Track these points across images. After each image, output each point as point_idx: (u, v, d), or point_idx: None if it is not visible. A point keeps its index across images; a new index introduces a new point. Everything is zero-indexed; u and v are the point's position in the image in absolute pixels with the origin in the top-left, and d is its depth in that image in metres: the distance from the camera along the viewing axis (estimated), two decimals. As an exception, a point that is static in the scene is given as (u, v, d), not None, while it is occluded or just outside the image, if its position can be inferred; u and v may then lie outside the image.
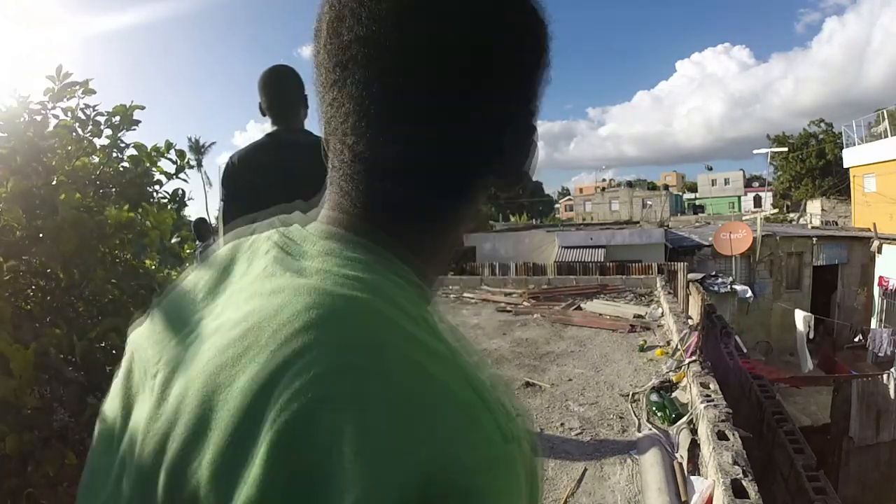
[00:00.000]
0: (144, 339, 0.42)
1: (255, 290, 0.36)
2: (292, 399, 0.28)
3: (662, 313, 6.82)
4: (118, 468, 0.37)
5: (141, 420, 0.36)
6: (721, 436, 2.44)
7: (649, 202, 41.28)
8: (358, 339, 0.31)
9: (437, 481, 0.26)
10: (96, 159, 1.60)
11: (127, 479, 0.36)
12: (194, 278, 0.43)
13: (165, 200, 1.64)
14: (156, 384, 0.37)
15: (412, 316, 0.34)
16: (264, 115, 1.88)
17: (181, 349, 0.37)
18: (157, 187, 1.65)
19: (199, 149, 47.29)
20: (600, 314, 7.25)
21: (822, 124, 33.89)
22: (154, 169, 1.62)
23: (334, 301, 0.32)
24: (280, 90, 1.85)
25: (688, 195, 56.52)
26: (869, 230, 15.63)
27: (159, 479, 0.32)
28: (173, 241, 1.49)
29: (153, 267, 1.58)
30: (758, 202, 38.84)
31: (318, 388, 0.28)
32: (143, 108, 1.59)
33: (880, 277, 14.34)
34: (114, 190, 1.55)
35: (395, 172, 0.39)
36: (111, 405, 0.42)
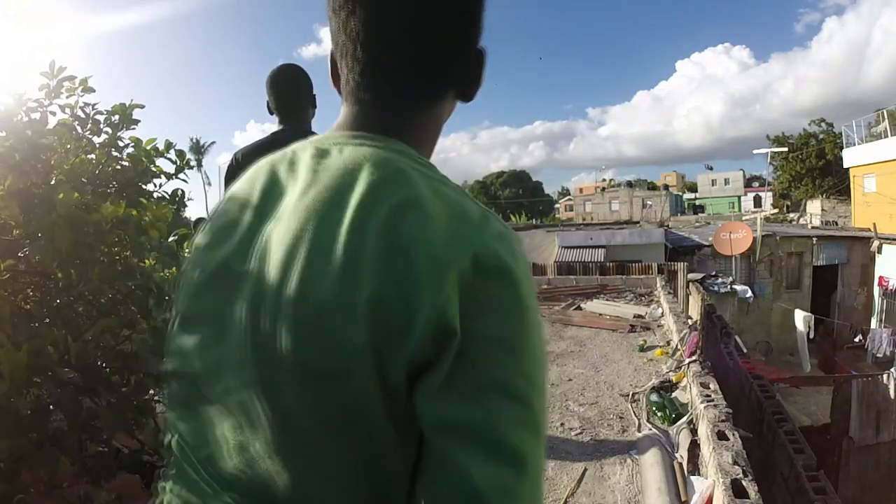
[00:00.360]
0: (233, 204, 0.55)
1: (319, 167, 0.49)
2: (386, 218, 0.43)
3: (662, 313, 6.82)
4: (225, 307, 0.48)
5: (252, 258, 0.48)
6: (721, 436, 2.44)
7: (649, 202, 41.27)
8: (443, 185, 0.48)
9: (481, 257, 0.43)
10: (94, 157, 1.60)
11: (240, 309, 0.47)
12: (248, 179, 0.57)
13: (165, 200, 1.63)
14: (260, 237, 0.48)
15: (426, 165, 0.51)
16: (272, 113, 1.86)
17: (272, 210, 0.50)
18: (156, 181, 1.64)
19: (199, 149, 47.26)
20: (600, 314, 7.25)
21: (822, 124, 33.88)
22: (153, 167, 1.61)
23: (401, 159, 0.49)
24: (289, 89, 1.84)
25: (688, 195, 56.51)
26: (869, 230, 15.63)
27: (282, 299, 0.43)
28: (171, 239, 1.49)
29: (150, 265, 1.57)
30: (758, 202, 38.84)
31: (397, 210, 0.43)
32: (142, 106, 1.59)
33: (880, 277, 14.34)
34: (113, 188, 1.54)
35: (411, 73, 0.53)
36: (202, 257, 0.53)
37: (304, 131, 1.86)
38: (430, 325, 0.40)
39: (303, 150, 0.54)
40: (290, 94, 1.84)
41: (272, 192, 0.52)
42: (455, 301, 0.41)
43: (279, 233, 0.47)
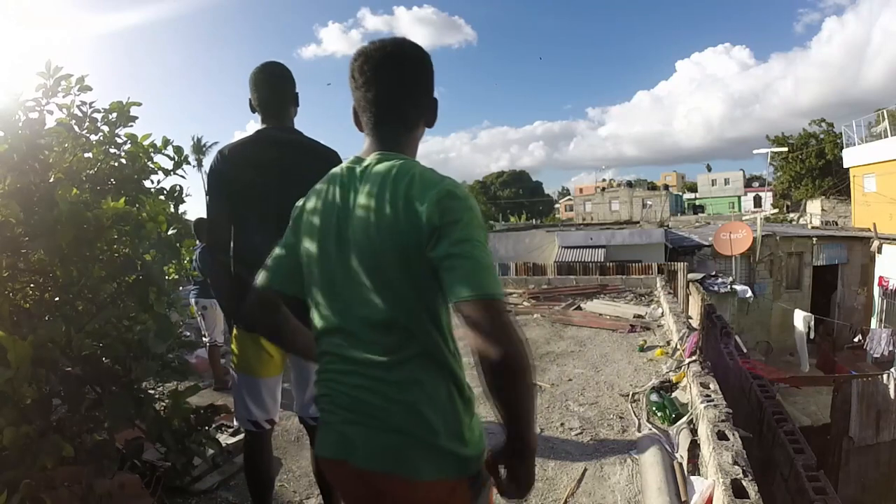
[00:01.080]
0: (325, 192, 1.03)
1: (371, 169, 0.98)
2: (406, 185, 0.92)
3: (662, 313, 6.82)
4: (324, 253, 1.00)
5: (341, 222, 0.98)
6: (721, 436, 2.44)
7: (649, 202, 41.26)
8: (424, 169, 0.97)
9: (443, 192, 0.90)
10: (90, 155, 1.60)
11: (348, 259, 0.96)
12: (326, 183, 1.05)
13: (163, 196, 1.63)
14: (352, 202, 0.98)
15: (415, 161, 1.02)
16: (254, 111, 1.85)
17: (352, 191, 0.98)
18: (153, 178, 1.64)
19: (200, 148, 47.20)
20: (600, 314, 7.25)
21: (823, 124, 33.87)
22: (151, 164, 1.61)
23: (395, 163, 0.97)
24: (273, 88, 1.82)
25: (688, 195, 56.50)
26: (869, 230, 15.63)
27: (376, 221, 0.92)
28: (170, 232, 1.49)
29: (149, 260, 1.57)
30: (758, 202, 38.84)
31: (420, 181, 0.92)
32: (139, 104, 1.58)
33: (880, 277, 14.34)
34: (111, 185, 1.55)
35: (400, 120, 1.04)
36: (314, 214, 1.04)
37: (288, 129, 1.86)
38: (428, 224, 0.88)
39: (355, 161, 1.03)
40: (274, 93, 1.82)
41: (349, 183, 1.00)
42: (437, 212, 0.88)
43: (363, 198, 0.95)
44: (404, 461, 0.91)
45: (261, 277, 1.09)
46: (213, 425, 1.70)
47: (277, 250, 1.10)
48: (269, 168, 1.75)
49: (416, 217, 0.89)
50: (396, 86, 1.02)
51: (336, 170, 1.03)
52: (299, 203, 1.10)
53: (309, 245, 1.02)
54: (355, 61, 1.02)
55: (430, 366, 0.93)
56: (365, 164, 0.99)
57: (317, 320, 1.03)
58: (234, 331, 1.84)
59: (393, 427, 0.92)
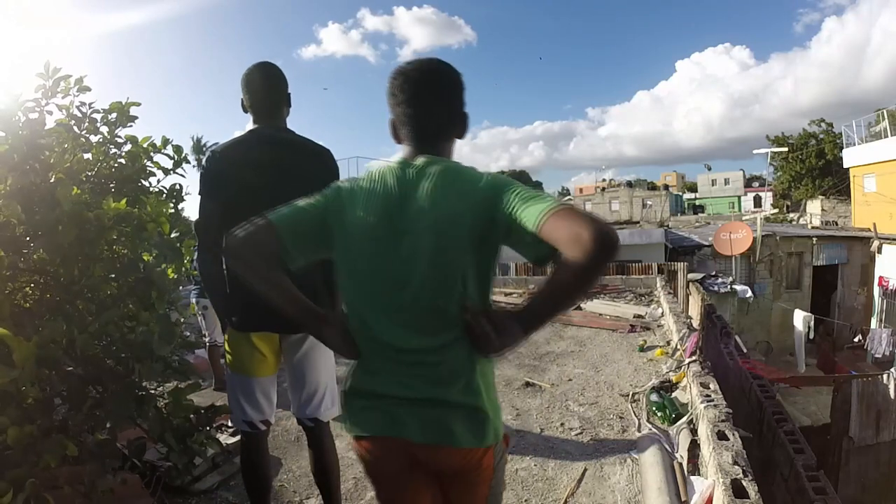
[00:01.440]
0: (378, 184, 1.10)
1: (421, 171, 1.08)
2: (475, 178, 1.07)
3: (662, 313, 6.82)
4: (390, 245, 1.05)
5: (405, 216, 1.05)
6: (721, 436, 2.44)
7: (649, 202, 41.22)
8: (469, 167, 1.11)
9: (491, 180, 1.07)
10: (90, 156, 1.60)
11: (408, 246, 1.04)
12: (379, 178, 1.11)
13: (163, 195, 1.63)
14: (413, 197, 1.06)
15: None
16: (246, 111, 1.85)
17: (411, 188, 1.07)
18: (153, 180, 1.64)
19: (200, 148, 47.16)
20: (600, 314, 7.25)
21: (822, 124, 33.85)
22: (151, 164, 1.61)
23: (445, 165, 1.09)
24: (264, 88, 1.82)
25: (688, 195, 56.45)
26: (869, 230, 15.63)
27: (441, 237, 1.02)
28: (172, 235, 1.49)
29: (150, 261, 1.57)
30: (758, 202, 38.81)
31: (472, 174, 1.08)
32: (138, 104, 1.58)
33: (880, 277, 14.34)
34: (111, 185, 1.55)
35: (437, 136, 1.15)
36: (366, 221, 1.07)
37: (281, 128, 1.85)
38: (489, 199, 1.03)
39: (403, 163, 1.11)
40: (266, 93, 1.82)
41: (404, 181, 1.08)
42: (493, 188, 1.03)
43: (423, 195, 1.05)
44: (451, 432, 1.06)
45: (271, 215, 1.10)
46: (214, 425, 1.70)
47: (300, 204, 1.12)
48: (265, 167, 1.75)
49: (477, 198, 1.03)
50: (435, 103, 1.13)
51: (384, 168, 1.12)
52: (336, 189, 1.14)
53: (358, 236, 1.07)
54: (395, 80, 1.13)
55: (467, 347, 1.05)
56: (417, 164, 1.09)
57: (363, 307, 1.09)
58: (227, 331, 1.85)
59: (443, 403, 1.06)
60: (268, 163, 1.75)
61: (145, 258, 1.58)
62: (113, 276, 1.35)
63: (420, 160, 1.09)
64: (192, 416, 1.39)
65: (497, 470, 1.16)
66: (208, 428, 1.55)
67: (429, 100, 1.12)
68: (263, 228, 1.08)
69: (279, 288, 1.12)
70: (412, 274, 1.03)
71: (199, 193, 1.75)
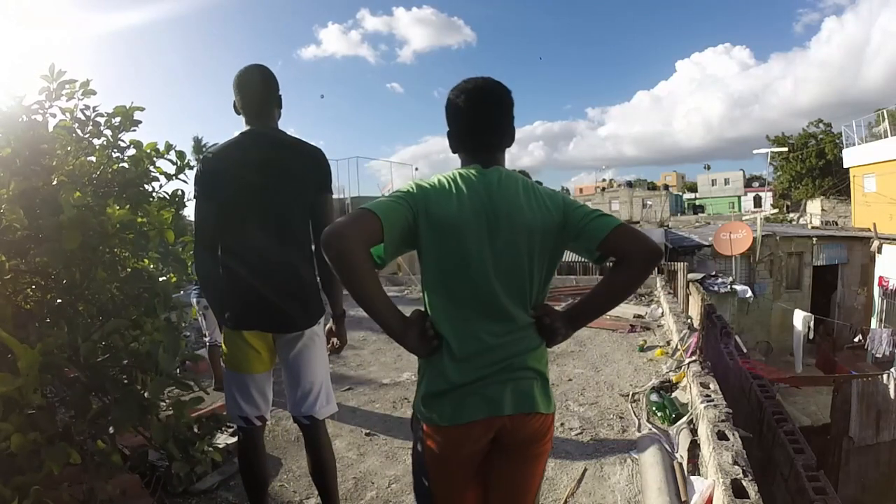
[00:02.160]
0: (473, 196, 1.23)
1: (497, 179, 1.25)
2: (550, 193, 1.30)
3: (662, 313, 6.82)
4: (480, 245, 1.19)
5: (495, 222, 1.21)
6: (721, 436, 2.44)
7: (649, 202, 41.20)
8: (526, 179, 1.30)
9: (565, 197, 1.33)
10: (94, 159, 1.60)
11: (499, 241, 1.20)
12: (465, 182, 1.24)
13: (166, 201, 1.63)
14: (496, 198, 1.22)
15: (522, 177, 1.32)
16: (238, 113, 1.85)
17: (493, 189, 1.23)
18: (155, 185, 1.64)
19: (200, 148, 47.12)
20: (600, 314, 7.24)
21: (822, 124, 33.83)
22: (153, 169, 1.61)
23: (516, 175, 1.29)
24: (256, 90, 1.83)
25: (688, 195, 56.37)
26: (869, 230, 15.62)
27: (525, 235, 1.21)
28: (177, 244, 1.49)
29: (153, 268, 1.58)
30: (758, 202, 38.79)
31: (546, 190, 1.31)
32: (142, 108, 1.59)
33: (880, 277, 14.33)
34: (114, 190, 1.55)
35: (500, 146, 1.33)
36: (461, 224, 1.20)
37: (273, 129, 1.86)
38: (563, 213, 1.25)
39: (480, 171, 1.26)
40: (258, 95, 1.83)
41: (489, 188, 1.22)
42: (564, 206, 1.26)
43: (511, 201, 1.22)
44: (534, 400, 1.23)
45: (372, 206, 1.11)
46: (215, 434, 1.71)
47: (386, 201, 1.16)
48: (261, 167, 1.76)
49: (555, 209, 1.24)
50: (500, 118, 1.31)
51: (460, 173, 1.25)
52: (419, 187, 1.22)
53: (452, 231, 1.18)
54: (461, 96, 1.27)
55: (535, 326, 1.26)
56: (495, 173, 1.25)
57: (462, 293, 1.20)
58: (223, 329, 1.87)
59: (523, 368, 1.22)
60: (263, 163, 1.77)
61: (146, 263, 1.58)
62: (117, 285, 1.36)
63: (494, 170, 1.26)
64: (194, 425, 1.40)
65: (552, 444, 1.36)
66: (210, 437, 1.55)
67: (494, 114, 1.30)
68: (369, 220, 1.07)
69: (376, 285, 1.12)
70: (507, 265, 1.20)
71: (194, 195, 1.76)
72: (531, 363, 1.24)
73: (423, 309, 1.25)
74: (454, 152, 1.35)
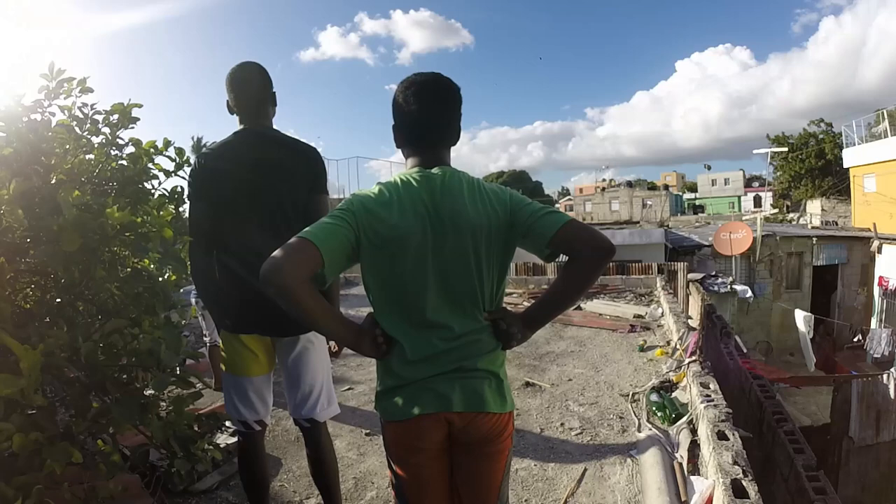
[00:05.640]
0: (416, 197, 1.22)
1: (441, 179, 1.23)
2: (497, 191, 1.29)
3: (662, 313, 6.82)
4: (428, 248, 1.19)
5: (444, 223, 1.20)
6: (721, 436, 2.44)
7: (649, 202, 41.20)
8: (472, 178, 1.29)
9: (513, 193, 1.32)
10: (92, 157, 1.60)
11: (444, 246, 1.19)
12: (413, 184, 1.22)
13: (165, 199, 1.63)
14: (441, 200, 1.21)
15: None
16: (232, 112, 1.84)
17: (437, 190, 1.21)
18: (154, 183, 1.64)
19: (200, 148, 47.10)
20: (600, 314, 7.26)
21: (822, 124, 33.81)
22: (152, 166, 1.61)
23: (461, 174, 1.27)
24: (250, 89, 1.82)
25: (688, 195, 56.41)
26: (869, 230, 15.63)
27: (471, 236, 1.19)
28: (177, 243, 1.49)
29: (153, 268, 1.57)
30: (758, 202, 38.80)
31: (492, 187, 1.30)
32: (140, 106, 1.58)
33: (880, 277, 14.34)
34: (114, 187, 1.54)
35: (445, 144, 1.31)
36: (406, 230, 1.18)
37: (267, 128, 1.85)
38: (509, 210, 1.24)
39: (423, 172, 1.24)
40: (252, 94, 1.81)
41: (432, 189, 1.20)
42: (512, 202, 1.25)
43: (455, 202, 1.20)
44: (484, 399, 1.22)
45: (307, 234, 1.10)
46: (215, 433, 1.71)
47: (327, 221, 1.15)
48: (256, 166, 1.75)
49: (501, 207, 1.22)
50: (444, 113, 1.28)
51: (402, 177, 1.23)
52: (359, 202, 1.20)
53: (398, 241, 1.17)
54: (408, 90, 1.25)
55: (493, 334, 1.25)
56: (438, 174, 1.23)
57: (413, 300, 1.20)
58: (220, 332, 1.86)
59: (475, 371, 1.22)
60: (258, 162, 1.75)
61: (146, 263, 1.58)
62: (117, 284, 1.35)
63: (438, 170, 1.24)
64: (194, 423, 1.40)
65: (511, 441, 1.35)
66: (211, 435, 1.55)
67: (440, 110, 1.27)
68: (307, 250, 1.07)
69: (322, 309, 1.13)
70: (455, 268, 1.19)
71: (189, 195, 1.74)
72: (483, 365, 1.23)
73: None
74: (398, 147, 1.32)
